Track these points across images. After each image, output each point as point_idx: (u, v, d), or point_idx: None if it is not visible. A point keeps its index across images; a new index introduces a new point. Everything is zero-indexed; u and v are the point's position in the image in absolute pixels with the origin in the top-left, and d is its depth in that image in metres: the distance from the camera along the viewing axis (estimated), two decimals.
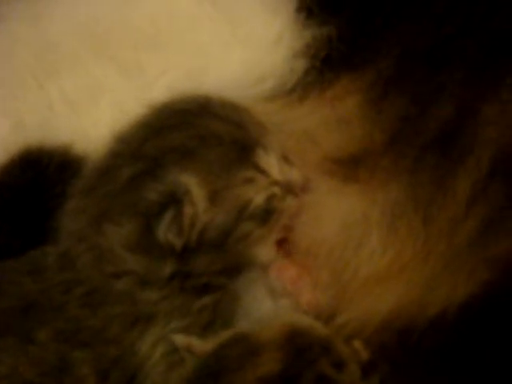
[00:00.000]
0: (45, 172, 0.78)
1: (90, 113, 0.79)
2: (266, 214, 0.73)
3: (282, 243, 0.76)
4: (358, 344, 0.69)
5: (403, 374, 0.69)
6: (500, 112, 0.72)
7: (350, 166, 0.75)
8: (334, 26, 0.77)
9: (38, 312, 0.72)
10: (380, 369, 0.69)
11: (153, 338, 0.71)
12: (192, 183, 0.70)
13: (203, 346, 0.70)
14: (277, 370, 0.65)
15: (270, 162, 0.73)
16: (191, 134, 0.73)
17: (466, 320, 0.66)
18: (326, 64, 0.77)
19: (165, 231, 0.69)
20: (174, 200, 0.69)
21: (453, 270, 0.69)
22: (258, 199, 0.72)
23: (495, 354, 0.65)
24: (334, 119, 0.76)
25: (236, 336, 0.69)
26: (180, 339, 0.70)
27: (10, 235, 0.77)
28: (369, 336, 0.71)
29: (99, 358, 0.71)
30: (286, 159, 0.75)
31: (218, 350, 0.69)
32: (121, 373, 0.71)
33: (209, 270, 0.72)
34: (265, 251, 0.74)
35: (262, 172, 0.73)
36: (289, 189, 0.74)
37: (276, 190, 0.73)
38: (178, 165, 0.71)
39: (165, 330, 0.71)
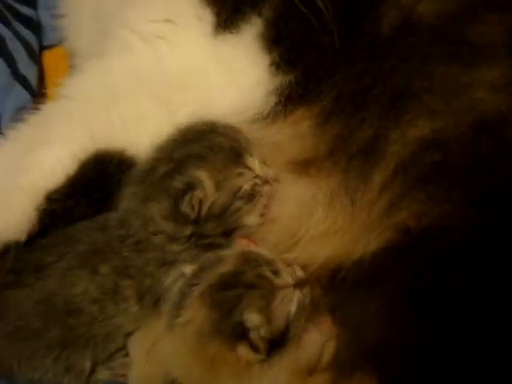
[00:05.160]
0: (108, 166, 0.87)
1: (137, 130, 0.88)
2: (252, 196, 0.84)
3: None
4: (296, 266, 0.79)
5: (331, 296, 0.79)
6: (400, 136, 0.80)
7: (304, 166, 0.84)
8: (293, 75, 0.87)
9: (102, 254, 0.82)
10: (312, 287, 0.78)
11: (173, 276, 0.82)
12: (203, 176, 0.82)
13: None
14: (230, 269, 0.75)
15: (254, 163, 0.85)
16: (204, 145, 0.84)
17: (376, 263, 0.75)
18: (289, 100, 0.87)
19: (185, 207, 0.81)
20: (192, 187, 0.81)
21: (369, 231, 0.78)
22: (246, 186, 0.83)
23: (399, 285, 0.73)
24: (294, 136, 0.86)
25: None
26: (188, 268, 0.81)
27: (86, 206, 0.87)
28: (311, 272, 0.79)
29: (139, 286, 0.82)
30: (263, 162, 0.86)
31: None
32: (151, 296, 0.82)
33: (213, 232, 0.84)
34: (252, 219, 0.85)
35: (249, 169, 0.84)
36: (266, 180, 0.85)
37: (257, 180, 0.84)
38: (195, 165, 0.82)
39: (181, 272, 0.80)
